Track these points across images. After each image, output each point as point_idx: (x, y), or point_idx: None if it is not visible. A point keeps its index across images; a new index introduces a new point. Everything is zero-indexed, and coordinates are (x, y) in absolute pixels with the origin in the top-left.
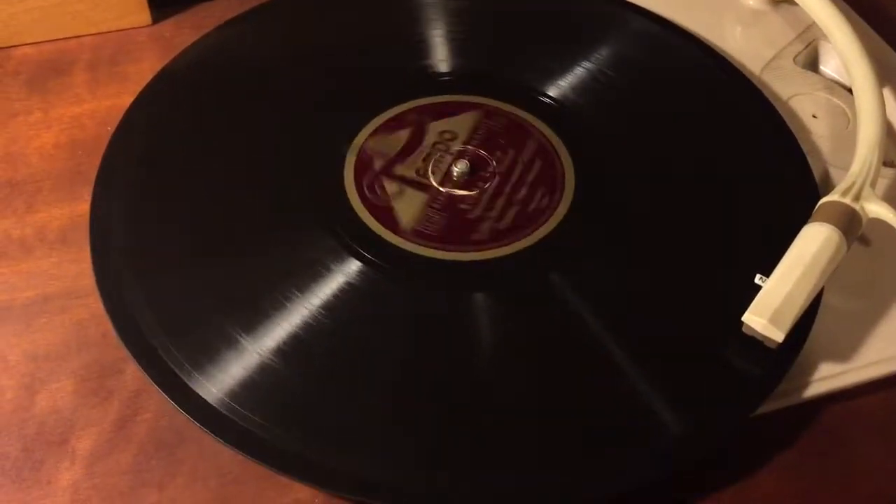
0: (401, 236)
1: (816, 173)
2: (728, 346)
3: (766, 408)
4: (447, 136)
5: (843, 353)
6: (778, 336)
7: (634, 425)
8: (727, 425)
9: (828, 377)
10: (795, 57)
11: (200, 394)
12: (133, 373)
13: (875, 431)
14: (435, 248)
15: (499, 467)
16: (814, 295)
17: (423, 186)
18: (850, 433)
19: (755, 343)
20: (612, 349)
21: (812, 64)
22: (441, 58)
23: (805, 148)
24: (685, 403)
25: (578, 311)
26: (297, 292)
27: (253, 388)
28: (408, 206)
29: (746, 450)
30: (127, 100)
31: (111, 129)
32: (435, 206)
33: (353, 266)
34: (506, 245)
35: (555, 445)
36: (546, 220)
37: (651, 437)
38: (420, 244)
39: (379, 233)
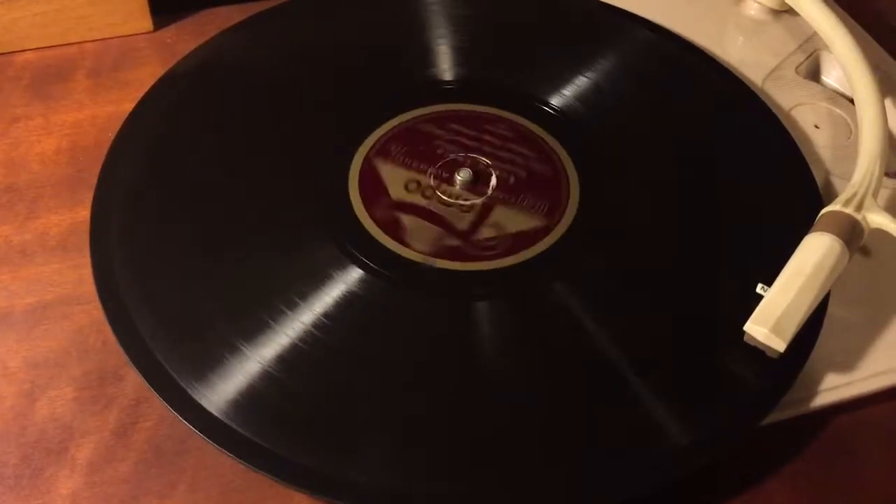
0: (554, 229)
1: (819, 183)
2: (734, 355)
3: (773, 418)
4: (413, 184)
5: (849, 363)
6: (780, 346)
7: (640, 435)
8: (733, 435)
9: (834, 388)
10: (797, 67)
11: (201, 402)
12: (133, 380)
13: (882, 441)
14: (565, 211)
15: (502, 477)
16: (815, 304)
17: (488, 205)
18: (856, 443)
19: (761, 353)
20: (616, 359)
21: (814, 74)
22: (445, 66)
23: (807, 158)
24: (691, 413)
25: (581, 320)
26: (298, 300)
27: (254, 397)
28: (518, 219)
29: (753, 459)
30: (128, 106)
31: (112, 135)
32: (513, 199)
33: (354, 274)
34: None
35: (558, 455)
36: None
37: (656, 448)
38: (561, 220)
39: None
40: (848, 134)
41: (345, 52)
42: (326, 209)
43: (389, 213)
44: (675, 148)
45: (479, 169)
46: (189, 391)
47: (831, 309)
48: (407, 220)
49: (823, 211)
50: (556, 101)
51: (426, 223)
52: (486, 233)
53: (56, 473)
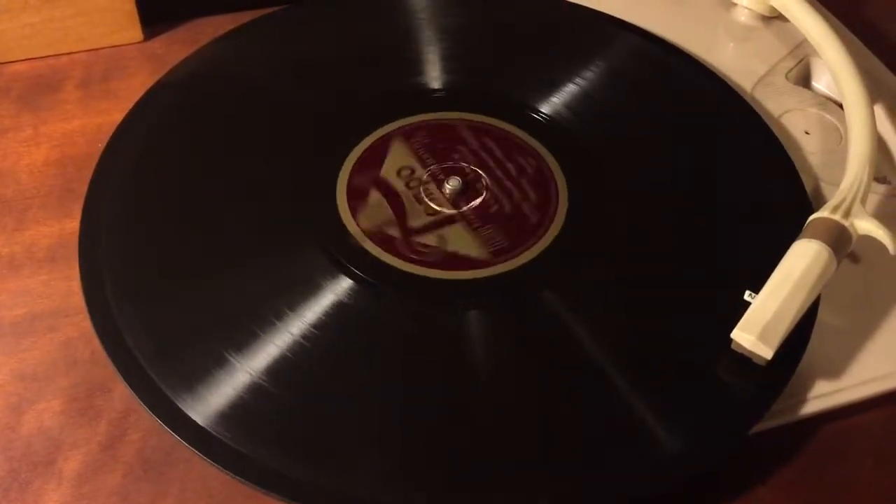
0: (492, 266)
1: (808, 189)
2: (724, 363)
3: (763, 425)
4: (406, 171)
5: (839, 370)
6: (767, 353)
7: (630, 444)
8: (723, 443)
9: (824, 395)
10: (787, 73)
11: (189, 414)
12: (121, 393)
13: (872, 449)
14: (517, 254)
15: (493, 487)
16: (803, 312)
17: (451, 219)
18: (846, 450)
19: (749, 361)
20: (607, 368)
21: (804, 80)
22: (434, 74)
23: (797, 164)
24: (681, 421)
25: (571, 330)
26: (287, 311)
27: (243, 408)
28: (464, 243)
29: (743, 467)
30: (118, 116)
31: (102, 146)
32: (477, 225)
33: (345, 284)
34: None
35: (549, 464)
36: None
37: (647, 456)
38: (505, 261)
39: (467, 277)
40: (838, 140)
41: (334, 62)
42: (315, 219)
43: (365, 186)
44: (665, 155)
45: (468, 178)
46: (177, 403)
47: (820, 316)
48: (375, 196)
49: (811, 218)
50: (545, 108)
51: (385, 210)
52: (433, 241)
53: (43, 486)
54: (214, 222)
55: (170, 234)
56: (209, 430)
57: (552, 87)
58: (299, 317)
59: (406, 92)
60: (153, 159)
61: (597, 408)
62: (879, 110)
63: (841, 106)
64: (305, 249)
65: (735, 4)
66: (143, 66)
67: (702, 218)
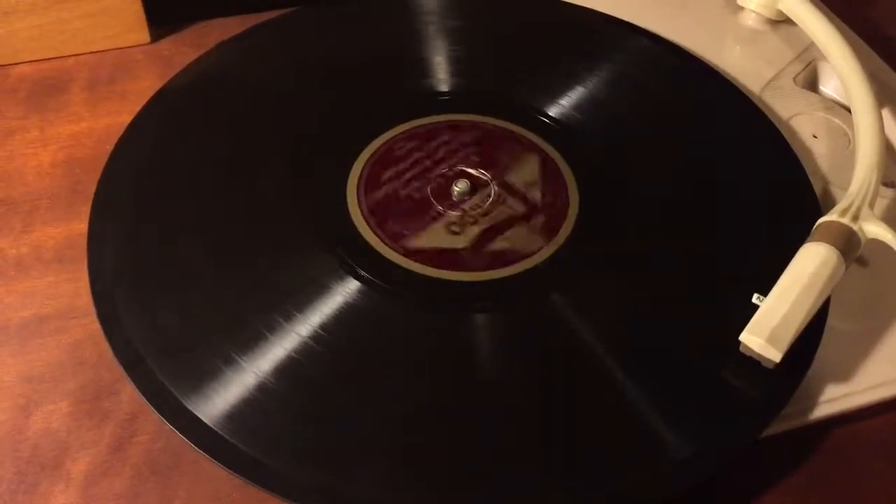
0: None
1: (817, 193)
2: (732, 367)
3: (772, 430)
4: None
5: (848, 375)
6: (775, 356)
7: (638, 448)
8: (732, 448)
9: (833, 399)
10: (795, 77)
11: (197, 415)
12: (129, 394)
13: (881, 453)
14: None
15: (500, 490)
16: (811, 315)
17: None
18: (856, 455)
19: (758, 364)
20: (613, 371)
21: (812, 84)
22: (442, 77)
23: (805, 167)
24: (689, 425)
25: (579, 332)
26: (295, 312)
27: (250, 410)
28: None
29: (752, 472)
30: (125, 118)
31: (109, 147)
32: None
33: (352, 285)
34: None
35: (555, 469)
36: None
37: (654, 460)
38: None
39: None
40: (846, 144)
41: (342, 64)
42: (324, 220)
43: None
44: (674, 157)
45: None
46: (185, 404)
47: (829, 320)
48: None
49: (819, 221)
50: (554, 111)
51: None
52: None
53: (51, 488)
54: (222, 224)
55: (178, 236)
56: (217, 431)
57: (562, 90)
58: (307, 318)
59: (413, 94)
60: (161, 161)
61: (603, 410)
62: (887, 114)
63: (849, 110)
64: (314, 251)
65: (742, 8)
66: (151, 68)
67: (710, 220)
